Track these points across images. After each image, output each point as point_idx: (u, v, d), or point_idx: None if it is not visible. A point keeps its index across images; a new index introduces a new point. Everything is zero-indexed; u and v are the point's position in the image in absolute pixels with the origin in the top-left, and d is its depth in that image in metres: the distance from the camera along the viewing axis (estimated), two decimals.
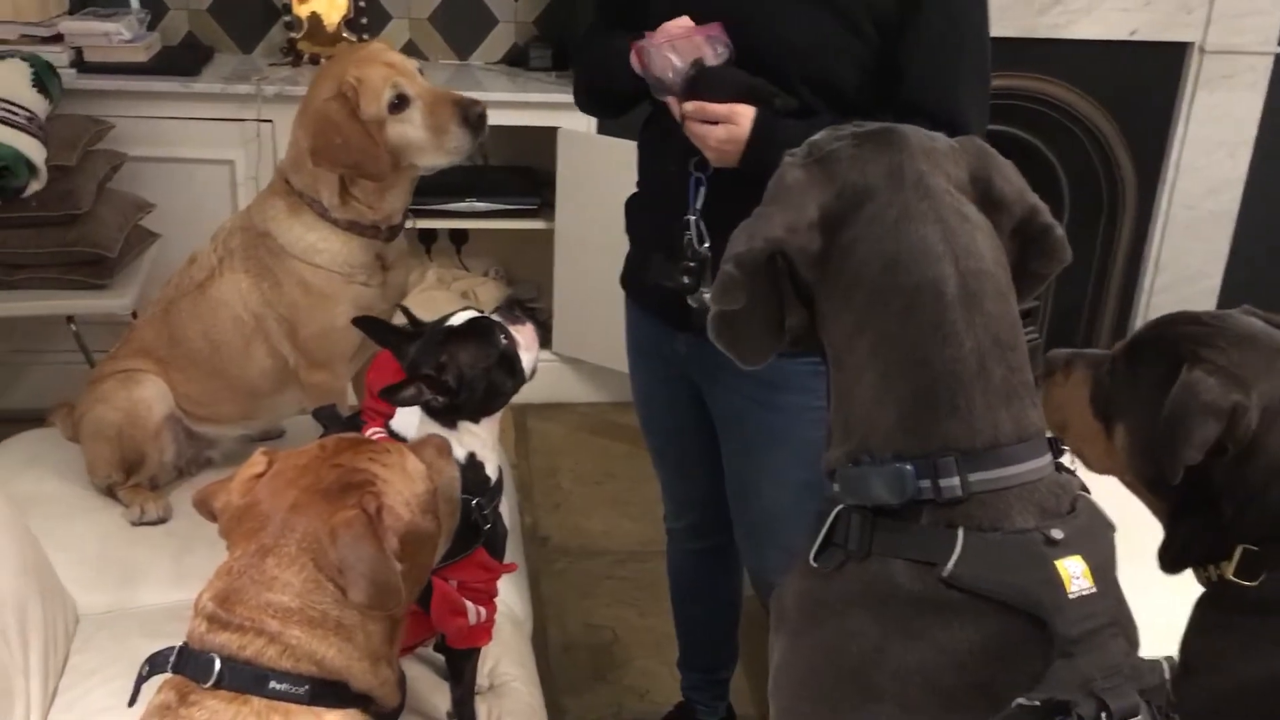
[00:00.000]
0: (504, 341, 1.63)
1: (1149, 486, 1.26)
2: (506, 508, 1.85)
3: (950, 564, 0.99)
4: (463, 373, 1.58)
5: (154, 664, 1.21)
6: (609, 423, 3.51)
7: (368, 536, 1.15)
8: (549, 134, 3.28)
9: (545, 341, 3.53)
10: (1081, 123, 3.50)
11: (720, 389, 1.75)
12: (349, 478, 1.21)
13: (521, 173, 3.56)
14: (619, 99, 1.74)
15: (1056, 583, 0.98)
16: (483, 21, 3.59)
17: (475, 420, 1.62)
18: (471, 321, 1.63)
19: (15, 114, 2.69)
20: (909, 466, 1.01)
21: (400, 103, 2.02)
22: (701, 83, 1.50)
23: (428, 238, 3.67)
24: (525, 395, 3.49)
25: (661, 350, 1.81)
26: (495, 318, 1.66)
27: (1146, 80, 3.46)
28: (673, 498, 2.06)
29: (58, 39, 3.07)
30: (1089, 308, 3.78)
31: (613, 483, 3.23)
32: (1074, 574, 0.99)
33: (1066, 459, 1.10)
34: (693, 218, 1.58)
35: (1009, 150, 1.15)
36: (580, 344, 3.51)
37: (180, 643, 1.20)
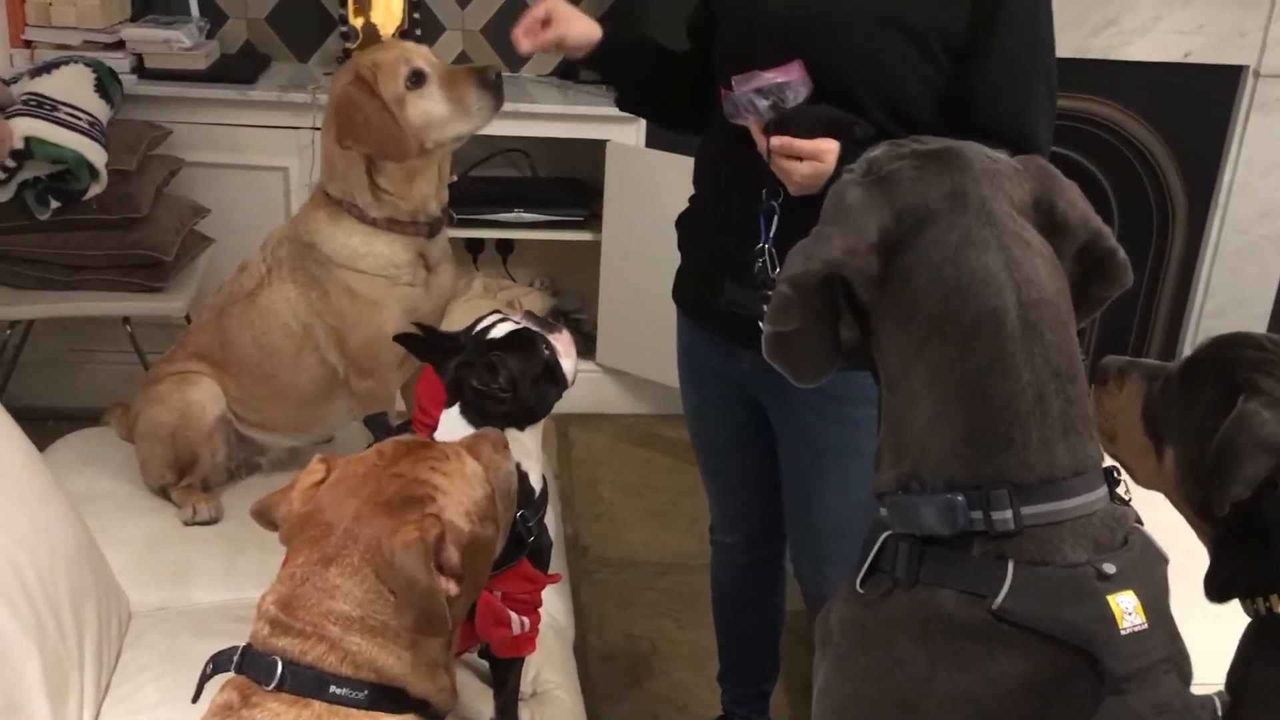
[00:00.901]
0: (547, 352, 1.65)
1: (1196, 512, 1.24)
2: (551, 518, 1.86)
3: (1000, 597, 0.98)
4: (514, 379, 1.60)
5: (217, 663, 1.23)
6: (651, 434, 3.52)
7: (423, 567, 1.15)
8: (598, 146, 3.30)
9: (589, 352, 3.56)
10: (1133, 145, 3.48)
11: (786, 404, 1.76)
12: (410, 490, 1.22)
13: (569, 184, 3.59)
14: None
15: (1109, 618, 0.97)
16: None
17: (520, 428, 1.63)
18: (513, 332, 1.65)
19: (78, 118, 2.75)
20: (960, 498, 1.00)
21: (417, 79, 2.06)
22: (785, 122, 1.52)
23: (474, 247, 3.70)
24: (568, 405, 3.51)
25: (722, 368, 1.81)
26: (532, 327, 1.68)
27: (1199, 103, 3.43)
28: (723, 514, 2.06)
29: (120, 45, 3.14)
30: (1137, 330, 3.75)
31: (654, 494, 3.24)
32: (1126, 609, 0.98)
33: (1121, 489, 1.09)
34: (766, 246, 1.59)
35: (1060, 171, 1.13)
36: (624, 356, 3.53)
37: (242, 644, 1.22)
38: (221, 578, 1.97)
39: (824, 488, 1.78)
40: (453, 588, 1.19)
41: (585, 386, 3.55)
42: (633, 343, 3.46)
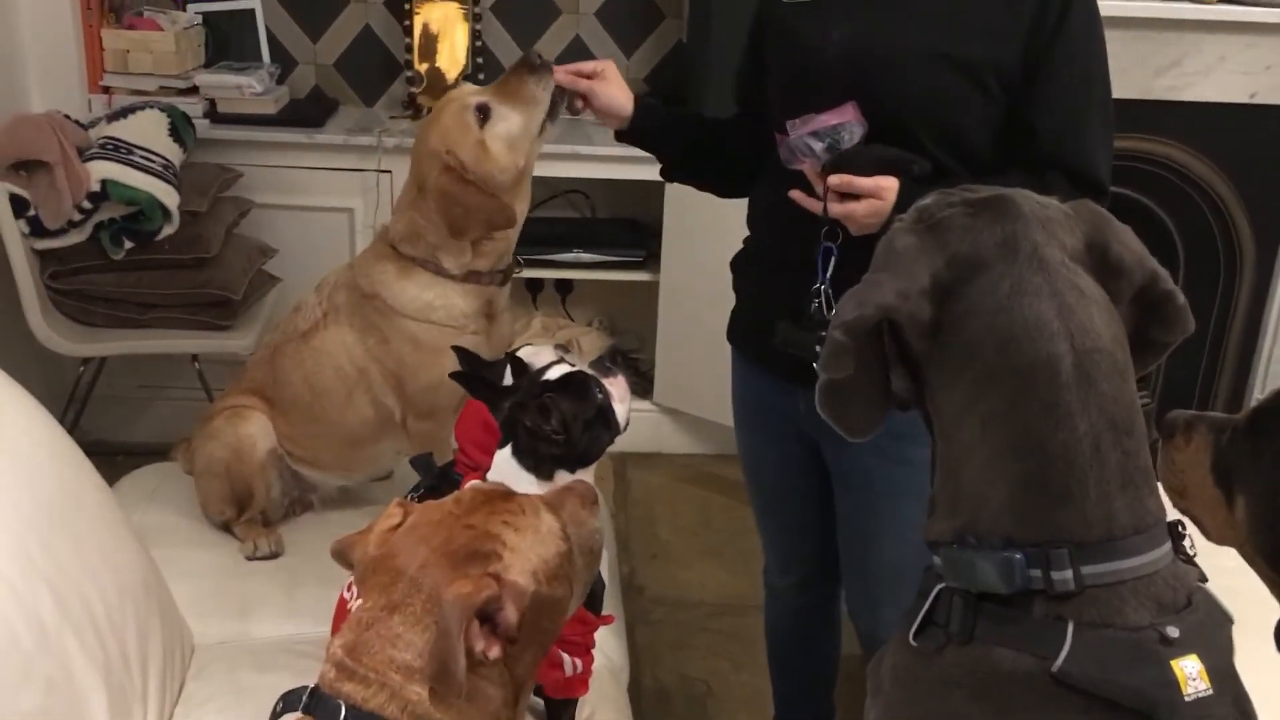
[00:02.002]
0: (600, 396, 1.65)
1: (1269, 563, 1.21)
2: (605, 559, 1.86)
3: (1060, 660, 0.95)
4: (566, 421, 1.61)
5: (288, 702, 1.25)
6: (708, 474, 3.51)
7: (458, 621, 1.14)
8: (657, 188, 3.32)
9: (647, 392, 3.58)
10: (1199, 186, 3.43)
11: (844, 443, 1.74)
12: (478, 544, 1.21)
13: (628, 225, 3.62)
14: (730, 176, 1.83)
15: (1172, 684, 0.94)
16: None
17: (571, 471, 1.63)
18: (567, 375, 1.66)
19: (152, 161, 2.84)
20: (1019, 555, 0.98)
21: (483, 113, 2.06)
22: (842, 162, 1.54)
23: (534, 287, 3.74)
24: (625, 444, 3.51)
25: (779, 408, 1.81)
26: (587, 370, 1.69)
27: (1266, 143, 3.38)
28: (778, 555, 2.06)
29: (193, 91, 3.23)
30: (1204, 375, 3.67)
31: (710, 534, 3.24)
32: (1190, 675, 0.95)
33: (1187, 543, 1.06)
34: (823, 286, 1.60)
35: (1124, 213, 1.12)
36: (681, 395, 3.54)
37: (311, 683, 1.23)
38: (282, 612, 2.00)
39: (880, 528, 1.77)
40: (495, 651, 1.18)
41: (642, 426, 3.58)
42: (690, 382, 3.47)
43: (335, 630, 1.81)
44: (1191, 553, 1.06)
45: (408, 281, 2.14)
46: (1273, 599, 1.24)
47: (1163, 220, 3.45)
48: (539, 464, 1.60)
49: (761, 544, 2.08)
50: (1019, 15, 1.56)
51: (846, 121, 1.54)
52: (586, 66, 1.85)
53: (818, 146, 1.54)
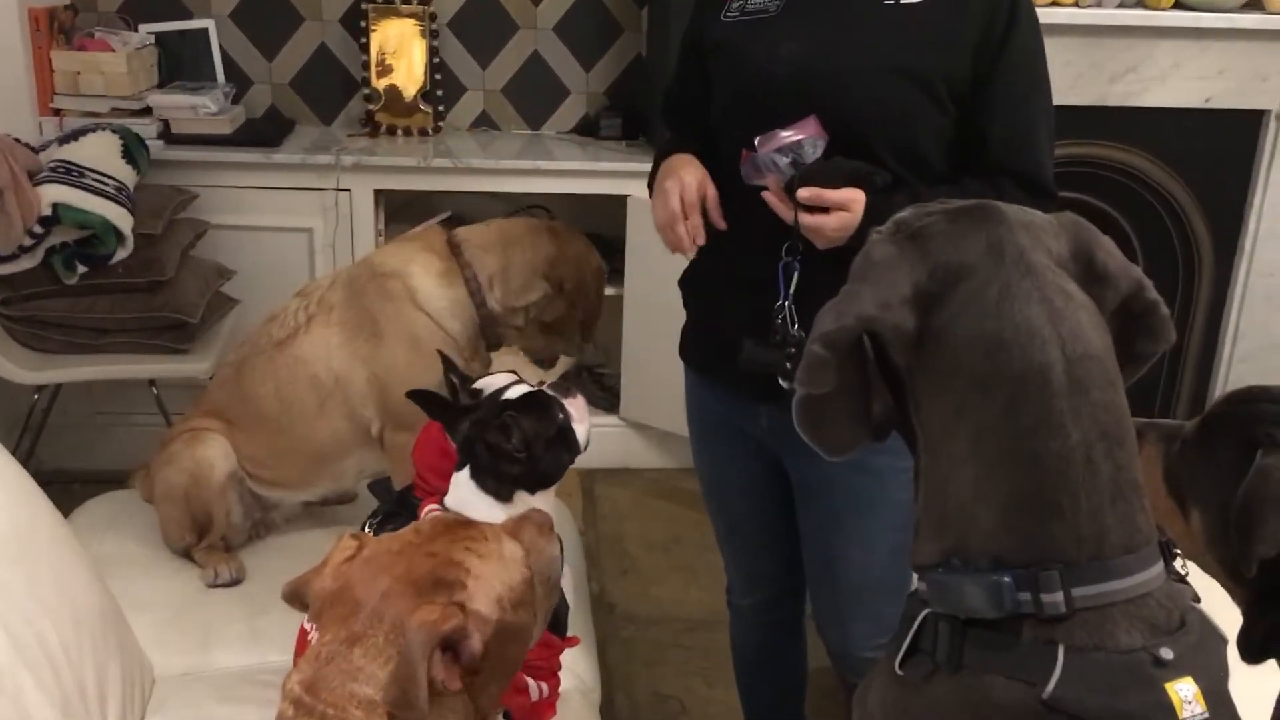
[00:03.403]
0: (560, 415, 1.63)
1: (1228, 574, 1.20)
2: (570, 578, 1.84)
3: (1051, 685, 0.92)
4: (528, 440, 1.58)
5: None
6: (676, 488, 3.49)
7: (421, 649, 1.11)
8: (619, 202, 3.31)
9: (613, 407, 3.56)
10: (1156, 191, 3.46)
11: (807, 457, 1.72)
12: (442, 571, 1.18)
13: (591, 240, 3.59)
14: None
15: (1167, 707, 0.92)
16: (554, 92, 3.66)
17: (531, 492, 1.61)
18: (528, 395, 1.64)
19: (105, 184, 2.79)
20: (1008, 578, 0.95)
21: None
22: (808, 177, 1.53)
23: None
24: (593, 460, 3.49)
25: (740, 425, 1.79)
26: (547, 390, 1.67)
27: (1222, 148, 3.42)
28: (742, 575, 2.03)
29: (147, 112, 3.19)
30: (1165, 378, 3.71)
31: (680, 549, 3.22)
32: (1185, 698, 0.92)
33: (1178, 563, 1.04)
34: (786, 303, 1.59)
35: (1084, 219, 1.10)
36: (648, 410, 3.52)
37: (271, 714, 1.20)
38: (244, 641, 1.96)
39: (847, 541, 1.76)
40: (456, 683, 1.15)
41: (610, 441, 3.55)
42: (656, 397, 3.45)
43: (297, 662, 1.77)
44: (1184, 572, 1.04)
45: (444, 281, 2.18)
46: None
47: (1121, 225, 3.48)
48: (499, 485, 1.58)
49: (724, 564, 2.05)
50: (968, 26, 1.57)
51: (810, 136, 1.53)
52: (691, 196, 1.65)
53: (782, 162, 1.53)
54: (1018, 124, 1.61)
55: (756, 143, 1.56)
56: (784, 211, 1.56)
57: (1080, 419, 0.95)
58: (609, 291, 3.46)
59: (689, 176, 1.64)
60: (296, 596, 1.25)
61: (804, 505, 1.80)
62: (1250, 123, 3.39)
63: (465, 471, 1.59)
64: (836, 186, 1.52)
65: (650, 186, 1.87)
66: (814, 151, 1.53)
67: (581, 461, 1.69)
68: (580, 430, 1.66)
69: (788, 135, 1.53)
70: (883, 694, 1.06)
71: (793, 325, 1.58)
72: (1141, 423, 1.24)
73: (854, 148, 1.56)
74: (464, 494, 1.58)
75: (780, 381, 1.59)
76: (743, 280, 1.69)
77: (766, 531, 1.91)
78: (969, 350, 0.98)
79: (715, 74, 1.71)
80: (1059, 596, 0.94)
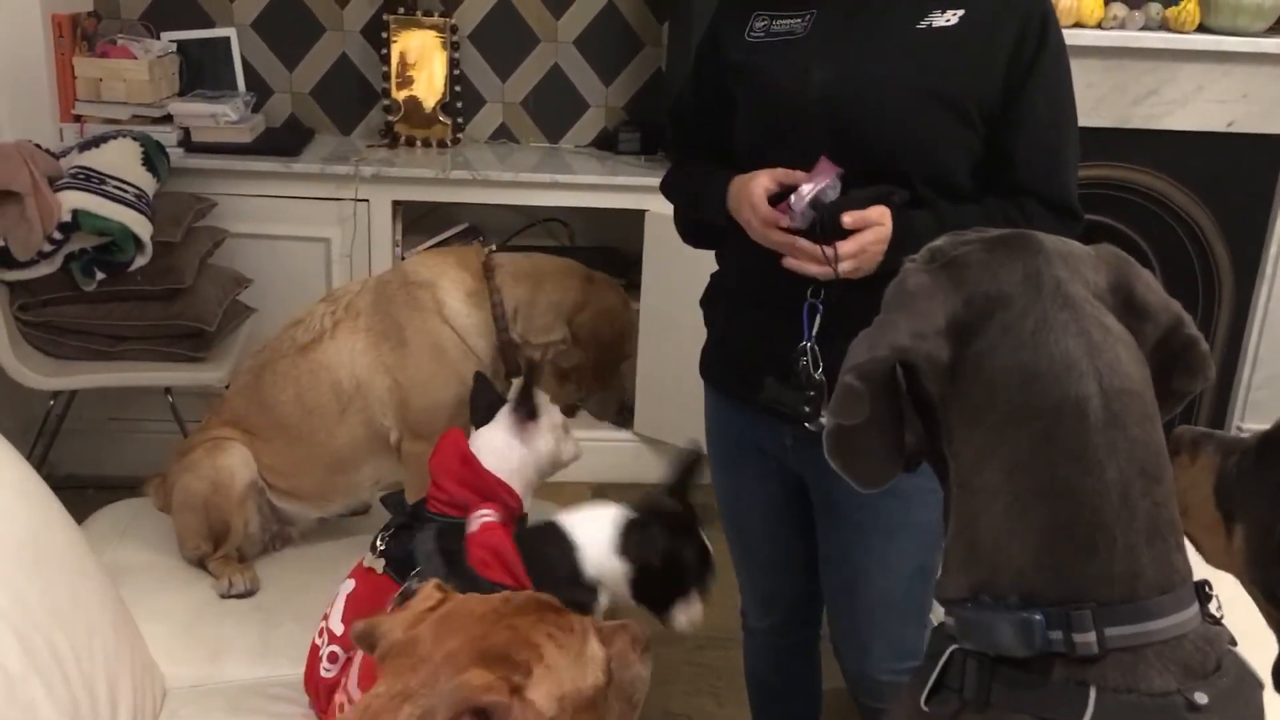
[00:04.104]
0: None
1: (1265, 596, 1.18)
2: None
3: None
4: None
5: None
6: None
7: (450, 709, 1.05)
8: (637, 216, 3.31)
9: (627, 421, 3.54)
10: (1177, 214, 3.44)
11: (831, 477, 1.71)
12: (513, 649, 1.11)
13: (608, 254, 3.59)
14: (720, 233, 1.72)
15: None
16: (573, 106, 3.66)
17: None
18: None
19: (125, 191, 2.79)
20: (1039, 616, 0.93)
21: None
22: (833, 214, 1.51)
23: None
24: (605, 474, 3.47)
25: (761, 446, 1.78)
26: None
27: (1244, 171, 3.40)
28: (758, 597, 2.00)
29: (167, 120, 3.20)
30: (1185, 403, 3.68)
31: None
32: None
33: (1214, 605, 1.01)
34: (809, 344, 1.58)
35: (1102, 241, 1.09)
36: (662, 425, 3.50)
37: None
38: (257, 653, 1.95)
39: (870, 562, 1.74)
40: None
41: (623, 456, 3.54)
42: (671, 412, 3.43)
43: (307, 679, 1.76)
44: (1219, 614, 1.01)
45: (471, 300, 2.19)
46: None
47: (1141, 248, 3.46)
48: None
49: (739, 585, 2.03)
50: (999, 48, 1.56)
51: (828, 179, 1.52)
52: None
53: (810, 215, 1.52)
54: (1044, 146, 1.60)
55: (792, 201, 1.53)
56: (821, 268, 1.53)
57: (1117, 455, 0.93)
58: None
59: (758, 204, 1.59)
60: (367, 637, 1.19)
61: (826, 526, 1.78)
62: (1273, 147, 3.38)
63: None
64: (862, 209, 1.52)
65: (664, 191, 1.87)
66: (834, 192, 1.52)
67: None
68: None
69: (810, 188, 1.52)
70: None
71: (815, 368, 1.57)
72: (1200, 432, 1.23)
73: (882, 166, 1.56)
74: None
75: (808, 426, 1.59)
76: (761, 301, 1.68)
77: (784, 554, 1.89)
78: (1004, 382, 0.96)
79: (740, 96, 1.69)
80: (1091, 637, 0.92)
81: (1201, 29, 3.27)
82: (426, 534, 1.73)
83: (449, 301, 2.15)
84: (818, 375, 1.57)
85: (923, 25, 1.57)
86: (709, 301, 1.86)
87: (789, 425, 1.68)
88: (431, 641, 1.13)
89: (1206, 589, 1.00)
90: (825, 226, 1.51)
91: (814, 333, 1.58)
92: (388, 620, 1.19)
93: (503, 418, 1.88)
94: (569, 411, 2.37)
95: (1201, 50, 3.23)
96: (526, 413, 1.86)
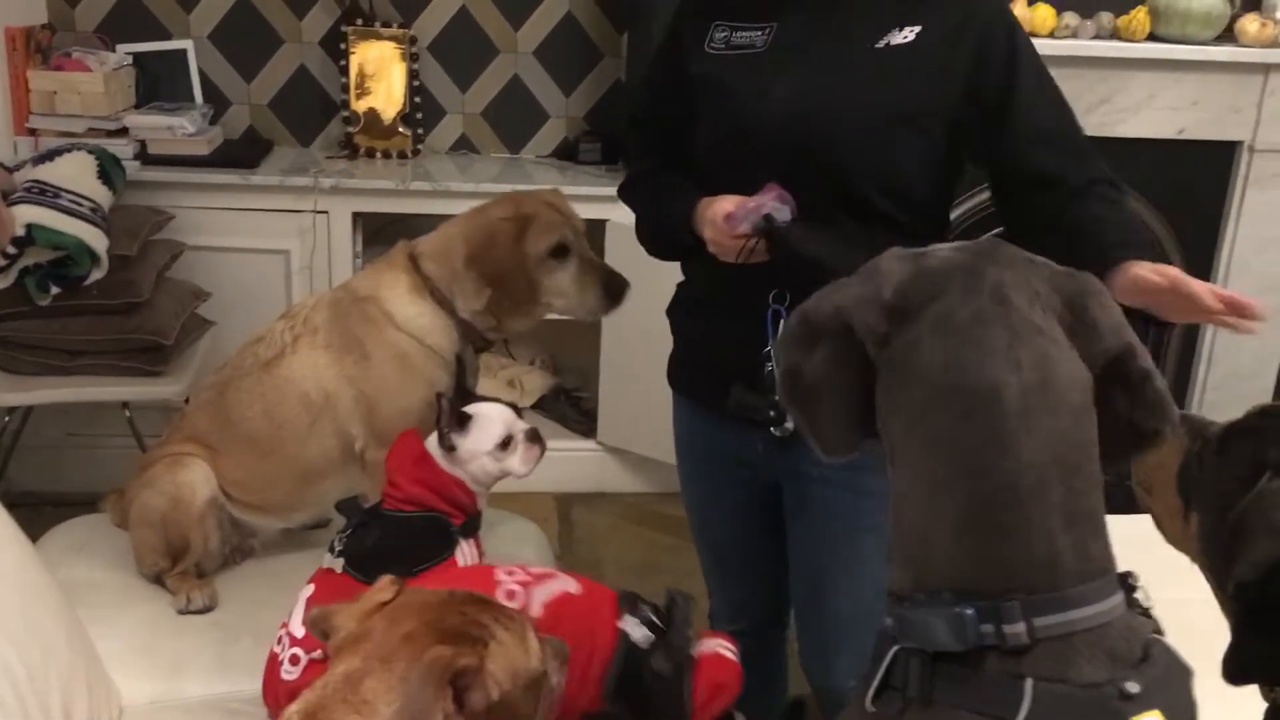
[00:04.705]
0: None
1: (1217, 584, 1.20)
2: None
3: (1021, 719, 0.93)
4: None
5: None
6: (654, 513, 3.48)
7: (430, 685, 1.11)
8: (598, 226, 3.31)
9: (590, 431, 3.55)
10: None
11: (804, 479, 1.73)
12: (469, 628, 1.19)
13: None
14: (683, 248, 1.74)
15: None
16: (534, 116, 3.67)
17: None
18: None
19: (80, 204, 2.77)
20: (970, 610, 0.96)
21: (561, 251, 2.17)
22: (781, 235, 1.54)
23: None
24: (569, 485, 3.47)
25: (734, 453, 1.78)
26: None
27: (1196, 178, 3.46)
28: (729, 603, 2.01)
29: (123, 132, 3.18)
30: None
31: (658, 575, 3.19)
32: None
33: (1141, 594, 1.04)
34: (772, 349, 1.58)
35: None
36: (625, 434, 3.51)
37: None
38: (215, 669, 1.93)
39: (838, 568, 1.75)
40: None
41: (587, 466, 3.55)
42: (634, 421, 3.45)
43: (266, 688, 1.75)
44: (1147, 605, 1.04)
45: (415, 298, 2.16)
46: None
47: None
48: None
49: (709, 589, 2.04)
50: (961, 58, 1.58)
51: (773, 199, 1.55)
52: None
53: (758, 222, 1.55)
54: (1063, 142, 1.61)
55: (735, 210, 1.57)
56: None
57: (1033, 440, 0.96)
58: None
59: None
60: (320, 624, 1.24)
61: (796, 529, 1.79)
62: (1223, 154, 3.43)
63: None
64: (809, 251, 1.52)
65: (624, 197, 1.88)
66: (780, 216, 1.54)
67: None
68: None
69: (756, 202, 1.55)
70: None
71: None
72: (1178, 413, 1.22)
73: (843, 187, 1.58)
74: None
75: (773, 431, 1.61)
76: (732, 317, 1.68)
77: (754, 561, 1.90)
78: (928, 362, 1.00)
79: (701, 108, 1.70)
80: (1021, 628, 0.95)
81: (1152, 37, 3.32)
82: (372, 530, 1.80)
83: (396, 309, 2.15)
84: None
85: (880, 45, 1.58)
86: (675, 310, 1.87)
87: (759, 431, 1.68)
88: (389, 626, 1.18)
89: (1130, 579, 1.03)
90: (776, 247, 1.54)
91: (777, 338, 1.58)
92: (342, 611, 1.23)
93: (431, 444, 1.88)
94: (507, 343, 2.32)
95: (1152, 59, 3.28)
96: (446, 445, 1.85)
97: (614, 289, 2.22)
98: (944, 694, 0.98)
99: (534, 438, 1.92)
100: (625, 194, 1.89)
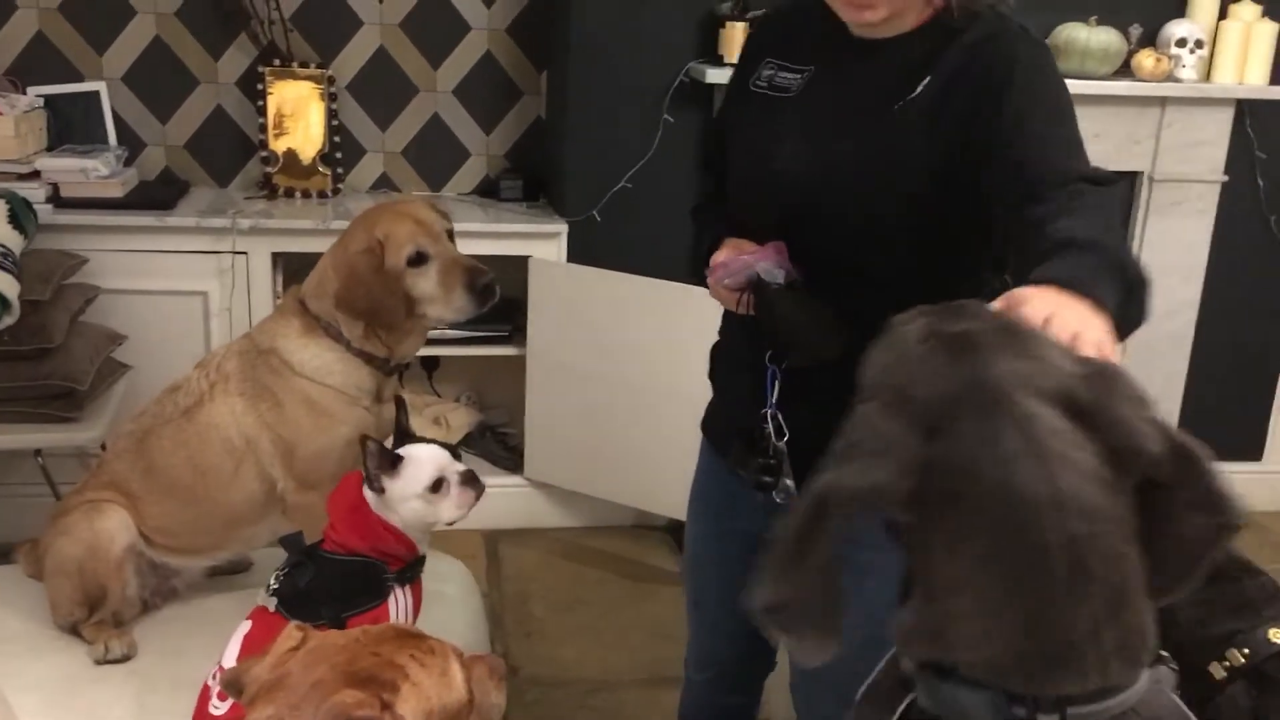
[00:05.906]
0: None
1: None
2: (474, 642, 1.81)
3: None
4: None
5: None
6: (581, 547, 3.49)
7: None
8: (520, 263, 3.33)
9: (517, 467, 3.55)
10: None
11: None
12: (380, 671, 1.17)
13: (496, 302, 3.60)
14: None
15: None
16: (455, 154, 3.68)
17: None
18: None
19: None
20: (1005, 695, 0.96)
21: (419, 259, 2.16)
22: (767, 297, 1.52)
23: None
24: (496, 521, 3.46)
25: (741, 503, 1.72)
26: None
27: None
28: (701, 649, 1.98)
29: (35, 175, 3.13)
30: None
31: (585, 609, 3.20)
32: None
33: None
34: (769, 411, 1.56)
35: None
36: (551, 469, 3.52)
37: None
38: (134, 719, 1.90)
39: None
40: None
41: (514, 501, 3.55)
42: (560, 456, 3.46)
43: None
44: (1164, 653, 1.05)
45: (308, 340, 2.15)
46: None
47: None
48: None
49: (688, 630, 2.00)
50: (951, 115, 1.47)
51: (767, 261, 1.53)
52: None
53: (743, 277, 1.53)
54: (1051, 155, 1.49)
55: (735, 260, 1.55)
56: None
57: (1090, 599, 0.94)
58: (511, 351, 3.48)
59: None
60: (234, 684, 1.22)
61: None
62: (1125, 184, 3.55)
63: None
64: (791, 318, 1.50)
65: (693, 219, 1.81)
66: (770, 278, 1.52)
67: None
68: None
69: (750, 258, 1.54)
70: None
71: (777, 435, 1.56)
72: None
73: (831, 253, 1.54)
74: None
75: (774, 496, 1.58)
76: (740, 369, 1.66)
77: (729, 615, 1.85)
78: (972, 520, 0.96)
79: (728, 146, 1.68)
80: (1054, 716, 0.96)
81: None
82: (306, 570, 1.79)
83: (293, 357, 2.15)
84: (779, 442, 1.56)
85: (899, 105, 1.49)
86: (711, 357, 1.84)
87: (760, 491, 1.64)
88: (299, 674, 1.17)
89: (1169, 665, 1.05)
90: (759, 307, 1.52)
91: (774, 399, 1.56)
92: (254, 665, 1.22)
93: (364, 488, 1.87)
94: (398, 366, 2.28)
95: None
96: (376, 488, 1.84)
97: (478, 285, 2.18)
98: None
99: (469, 480, 1.87)
100: (692, 216, 1.84)
